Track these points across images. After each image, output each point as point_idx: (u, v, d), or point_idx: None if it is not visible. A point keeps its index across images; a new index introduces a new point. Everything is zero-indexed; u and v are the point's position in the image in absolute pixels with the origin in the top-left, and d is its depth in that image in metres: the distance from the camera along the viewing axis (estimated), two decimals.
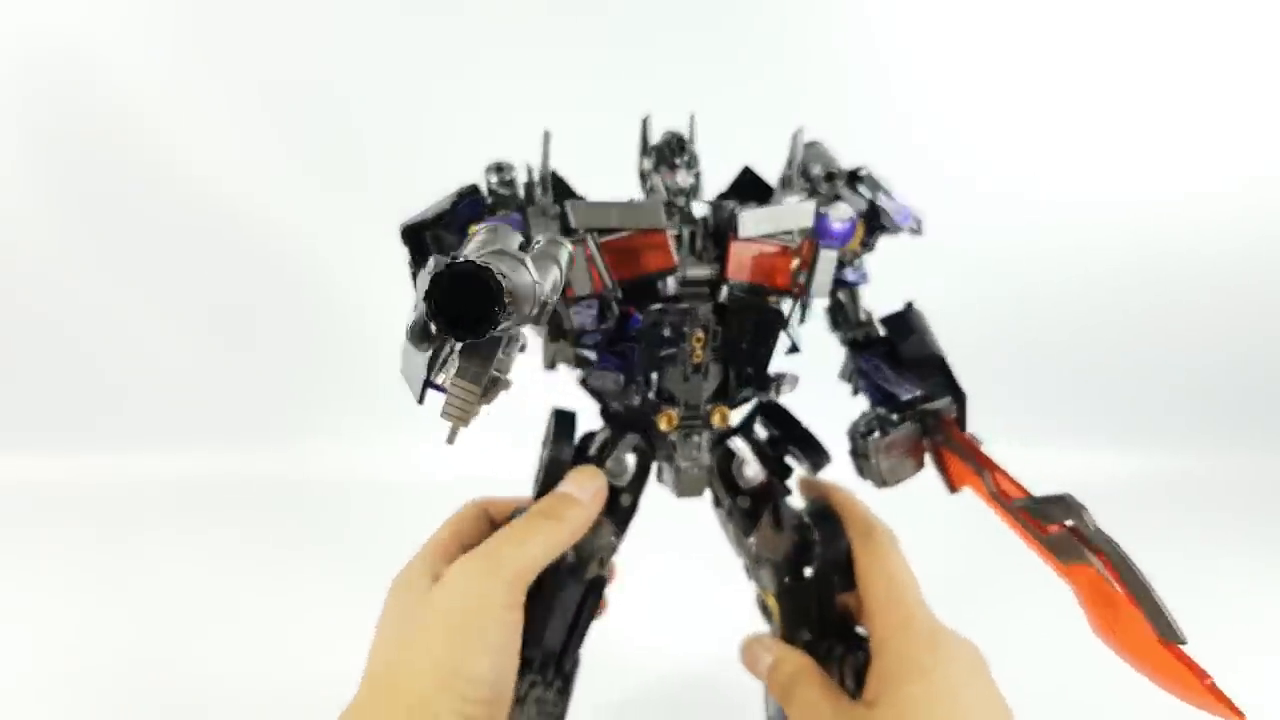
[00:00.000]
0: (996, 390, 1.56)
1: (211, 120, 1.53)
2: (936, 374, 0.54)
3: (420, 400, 0.44)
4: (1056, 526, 0.43)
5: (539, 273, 0.31)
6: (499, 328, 0.23)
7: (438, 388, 0.40)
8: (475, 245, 0.33)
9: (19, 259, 1.56)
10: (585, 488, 0.51)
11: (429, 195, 0.52)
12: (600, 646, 0.62)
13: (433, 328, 0.22)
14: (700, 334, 0.50)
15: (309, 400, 1.62)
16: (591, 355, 0.53)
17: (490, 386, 0.40)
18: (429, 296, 0.22)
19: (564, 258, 0.39)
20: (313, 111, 1.54)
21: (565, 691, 0.55)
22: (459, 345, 0.39)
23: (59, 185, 1.54)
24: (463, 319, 0.22)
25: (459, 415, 0.42)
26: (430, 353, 0.38)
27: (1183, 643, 0.38)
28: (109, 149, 1.52)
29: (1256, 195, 1.59)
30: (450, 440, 0.44)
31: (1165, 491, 1.48)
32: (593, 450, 0.56)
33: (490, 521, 0.54)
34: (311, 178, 1.55)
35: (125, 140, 1.52)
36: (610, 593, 0.63)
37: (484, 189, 0.51)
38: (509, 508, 0.55)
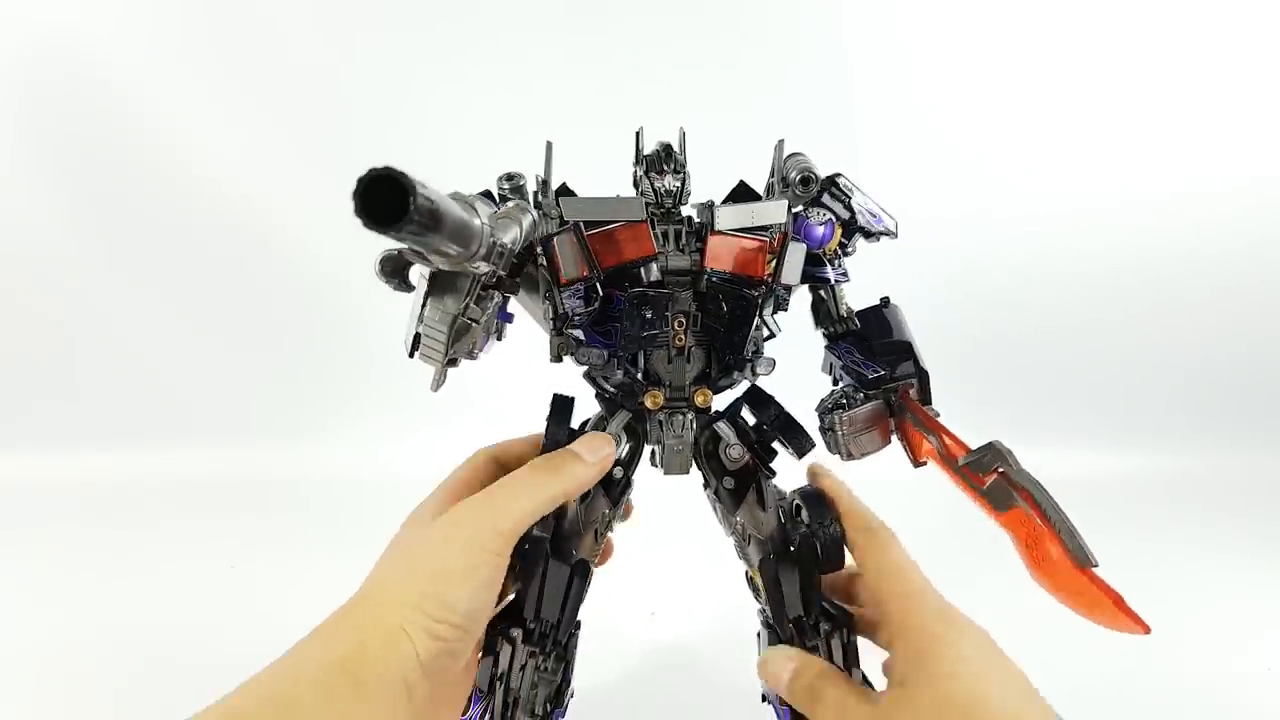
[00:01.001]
0: (998, 389, 1.60)
1: (212, 120, 1.55)
2: (904, 358, 0.59)
3: (410, 353, 0.50)
4: (991, 475, 0.47)
5: (496, 225, 0.39)
6: (418, 224, 0.28)
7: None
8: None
9: (19, 258, 1.58)
10: (594, 450, 0.54)
11: None
12: (594, 625, 0.65)
13: (362, 223, 0.27)
14: (681, 319, 0.56)
15: (308, 400, 1.65)
16: (581, 335, 0.59)
17: (462, 332, 0.47)
18: (355, 194, 0.26)
19: (526, 221, 0.47)
20: (312, 116, 1.57)
21: (563, 659, 0.59)
22: (428, 289, 0.48)
23: (58, 186, 1.56)
24: (383, 213, 0.27)
25: (431, 354, 0.48)
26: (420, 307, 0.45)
27: (1094, 565, 0.42)
28: (109, 149, 1.54)
29: (1256, 195, 1.60)
30: (434, 388, 0.50)
31: (1165, 491, 1.49)
32: (590, 427, 0.61)
33: (501, 468, 0.57)
34: (313, 180, 1.56)
35: (125, 140, 1.54)
36: (605, 572, 0.67)
37: (495, 194, 0.56)
38: (519, 455, 0.58)
